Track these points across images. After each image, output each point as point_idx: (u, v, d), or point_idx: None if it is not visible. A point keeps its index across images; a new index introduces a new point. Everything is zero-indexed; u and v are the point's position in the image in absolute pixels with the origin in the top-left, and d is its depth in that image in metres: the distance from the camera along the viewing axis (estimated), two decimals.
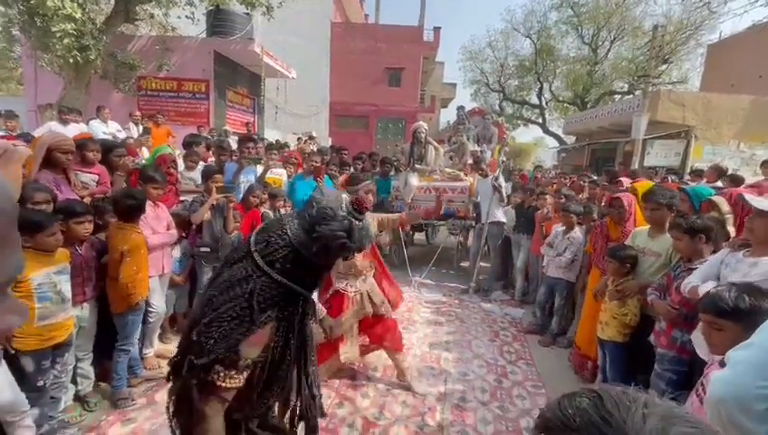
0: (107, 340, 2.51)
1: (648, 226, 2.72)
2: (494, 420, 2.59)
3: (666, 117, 11.63)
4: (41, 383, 1.92)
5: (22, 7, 6.68)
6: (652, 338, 2.34)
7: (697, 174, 6.04)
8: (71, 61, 7.02)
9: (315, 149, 6.46)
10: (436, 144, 5.75)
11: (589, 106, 20.45)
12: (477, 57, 24.51)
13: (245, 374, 1.01)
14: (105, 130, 6.33)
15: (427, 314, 4.30)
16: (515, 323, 4.18)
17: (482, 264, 5.44)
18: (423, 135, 5.43)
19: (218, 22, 9.62)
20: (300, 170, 4.90)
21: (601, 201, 4.54)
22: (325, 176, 4.69)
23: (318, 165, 4.60)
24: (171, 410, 1.09)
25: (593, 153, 17.17)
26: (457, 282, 5.37)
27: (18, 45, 8.81)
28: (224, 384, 0.97)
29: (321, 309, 1.90)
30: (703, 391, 1.73)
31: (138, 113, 7.30)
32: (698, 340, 1.99)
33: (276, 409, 1.23)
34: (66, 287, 1.98)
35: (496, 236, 4.85)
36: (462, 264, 5.98)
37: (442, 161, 5.77)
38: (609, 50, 20.74)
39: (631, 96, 16.00)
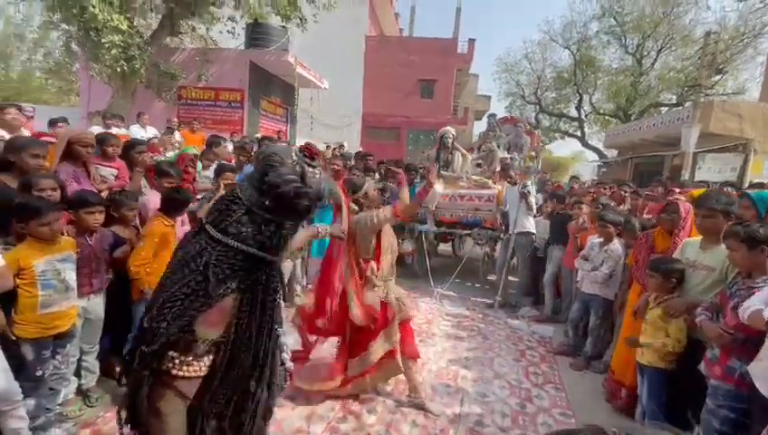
0: (115, 335, 2.49)
1: (701, 236, 2.38)
2: None
3: (720, 129, 10.76)
4: (39, 373, 1.89)
5: (79, 23, 7.22)
6: (703, 367, 2.00)
7: (759, 187, 5.43)
8: (118, 70, 7.48)
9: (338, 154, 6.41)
10: (463, 150, 5.54)
11: (632, 118, 19.40)
12: (513, 69, 24.06)
13: (207, 361, 0.88)
14: (143, 134, 6.62)
15: (447, 327, 4.05)
16: (544, 343, 3.84)
17: (510, 278, 5.13)
18: (450, 140, 5.25)
19: (256, 35, 9.99)
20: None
21: (643, 213, 4.15)
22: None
23: (338, 168, 4.53)
24: (123, 416, 0.92)
25: (636, 167, 16.19)
26: (482, 295, 5.07)
27: (76, 59, 9.51)
28: (180, 373, 0.85)
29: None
30: None
31: (175, 120, 7.61)
32: (757, 370, 1.66)
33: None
34: (71, 276, 1.96)
35: (525, 248, 4.53)
36: (489, 277, 5.67)
37: (469, 168, 5.54)
38: (655, 60, 19.69)
39: (680, 108, 14.99)
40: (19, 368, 1.80)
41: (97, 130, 5.87)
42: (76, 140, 2.53)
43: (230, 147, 4.81)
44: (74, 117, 8.55)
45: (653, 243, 2.79)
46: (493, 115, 6.96)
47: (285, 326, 1.21)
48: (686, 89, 17.69)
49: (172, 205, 2.54)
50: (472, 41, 20.77)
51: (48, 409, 2.04)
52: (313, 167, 0.93)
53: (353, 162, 6.17)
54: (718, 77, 17.12)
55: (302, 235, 1.51)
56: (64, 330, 1.95)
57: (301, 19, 8.73)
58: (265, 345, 0.94)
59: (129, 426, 0.92)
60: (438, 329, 3.98)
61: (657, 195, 4.34)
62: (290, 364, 1.14)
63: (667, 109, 18.45)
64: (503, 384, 3.02)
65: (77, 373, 2.31)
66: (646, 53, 19.75)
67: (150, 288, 2.45)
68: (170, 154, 4.58)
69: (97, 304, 2.27)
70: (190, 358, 0.86)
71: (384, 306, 2.52)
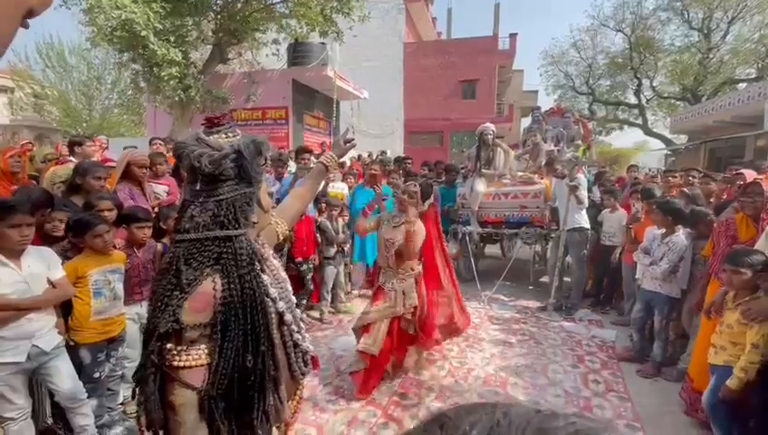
0: None
1: None
2: None
3: None
4: (97, 375, 2.06)
5: (143, 59, 8.04)
6: None
7: None
8: (177, 99, 8.20)
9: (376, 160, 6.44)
10: (505, 147, 5.28)
11: (704, 99, 17.48)
12: (560, 60, 22.85)
13: (205, 348, 0.89)
14: None
15: (496, 332, 3.84)
16: (606, 348, 3.50)
17: (565, 278, 4.78)
18: (490, 137, 5.04)
19: (297, 53, 10.46)
20: (360, 181, 4.89)
21: (721, 199, 3.67)
22: (384, 184, 4.60)
23: (376, 173, 4.54)
24: (142, 420, 0.93)
25: (711, 153, 14.57)
26: (534, 298, 4.77)
27: (143, 94, 10.60)
28: (180, 364, 0.87)
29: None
30: None
31: (202, 123, 8.16)
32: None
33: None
34: (119, 286, 2.13)
35: (579, 245, 4.20)
36: (541, 278, 5.33)
37: (513, 164, 5.28)
38: (726, 32, 17.66)
39: (761, 82, 13.24)
40: (79, 371, 1.97)
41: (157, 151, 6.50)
42: (133, 161, 2.79)
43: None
44: (143, 145, 9.49)
45: (735, 232, 2.44)
46: (537, 108, 6.60)
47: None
48: (767, 60, 15.62)
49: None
50: (513, 35, 20.12)
51: (110, 408, 2.21)
52: (225, 132, 0.90)
53: (392, 166, 6.17)
54: None
55: (310, 181, 1.45)
56: (115, 335, 2.12)
57: (337, 33, 8.99)
58: (254, 319, 0.93)
59: (149, 428, 0.94)
60: (486, 334, 3.79)
61: (723, 177, 3.81)
62: (306, 346, 1.13)
63: (745, 85, 16.40)
64: (558, 392, 2.78)
65: None
66: (714, 26, 17.79)
67: None
68: None
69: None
70: (185, 347, 0.87)
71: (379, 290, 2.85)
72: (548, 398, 2.71)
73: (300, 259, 3.83)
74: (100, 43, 7.85)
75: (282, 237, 1.31)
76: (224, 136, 0.98)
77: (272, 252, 1.17)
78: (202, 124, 1.01)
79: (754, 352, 1.87)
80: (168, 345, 0.87)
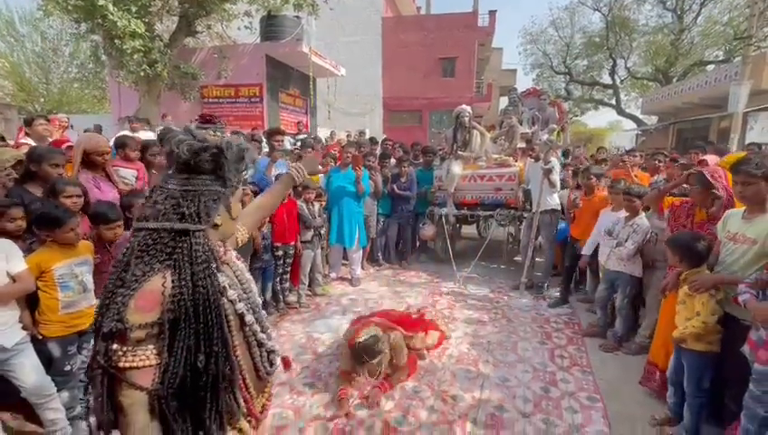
0: None
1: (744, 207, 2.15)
2: None
3: None
4: (68, 368, 2.02)
5: (103, 31, 7.52)
6: (747, 350, 1.83)
7: None
8: (142, 75, 7.75)
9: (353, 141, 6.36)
10: (481, 129, 5.31)
11: (674, 81, 17.96)
12: (539, 39, 22.89)
13: (154, 349, 0.85)
14: None
15: (470, 311, 3.97)
16: (573, 325, 3.69)
17: (537, 258, 4.95)
18: (467, 119, 5.04)
19: (270, 27, 10.01)
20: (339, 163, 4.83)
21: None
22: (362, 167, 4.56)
23: (355, 154, 4.49)
24: (93, 422, 0.94)
25: (679, 133, 15.12)
26: (508, 277, 4.93)
27: (104, 68, 9.96)
28: (127, 364, 0.83)
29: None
30: None
31: (196, 119, 7.82)
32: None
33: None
34: (88, 278, 2.06)
35: (550, 226, 4.33)
36: (515, 258, 5.50)
37: (489, 147, 5.33)
38: (698, 14, 18.03)
39: (728, 64, 13.67)
40: (49, 364, 1.93)
41: (127, 134, 6.19)
42: (92, 150, 2.62)
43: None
44: (108, 123, 9.02)
45: (693, 214, 2.56)
46: (513, 90, 6.64)
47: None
48: (734, 43, 16.08)
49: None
50: (492, 12, 19.87)
51: (83, 399, 2.18)
52: (213, 130, 0.94)
53: (369, 148, 6.11)
54: None
55: (278, 186, 1.44)
56: (86, 328, 2.06)
57: (312, 6, 8.64)
58: (207, 318, 0.90)
59: (99, 429, 0.92)
60: (461, 313, 3.91)
61: (682, 163, 3.99)
62: (272, 345, 1.12)
63: (713, 67, 16.93)
64: (526, 368, 2.93)
65: None
66: (687, 8, 18.12)
67: None
68: None
69: None
70: (131, 347, 0.84)
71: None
72: (517, 374, 2.86)
73: (278, 244, 3.79)
74: (53, 12, 7.26)
75: (241, 243, 1.28)
76: (211, 133, 0.96)
77: (235, 253, 1.15)
78: (196, 120, 0.98)
79: (697, 318, 2.05)
80: (114, 346, 0.83)
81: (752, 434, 1.76)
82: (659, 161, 4.37)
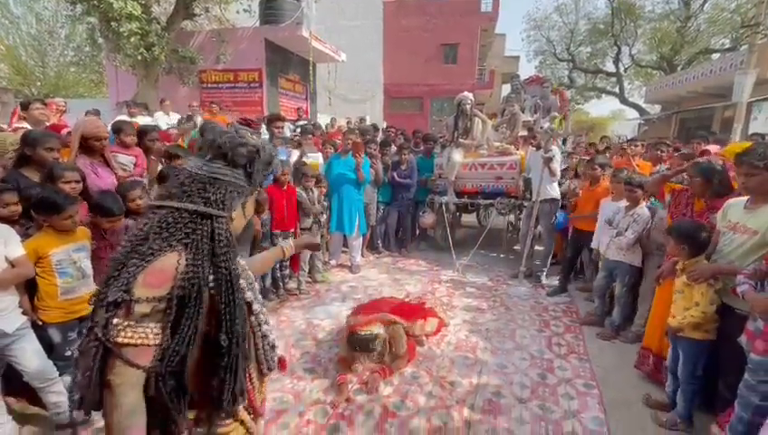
0: None
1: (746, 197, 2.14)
2: (532, 420, 2.28)
3: None
4: (69, 353, 2.03)
5: (99, 13, 7.37)
6: (743, 340, 1.84)
7: None
8: (139, 58, 7.63)
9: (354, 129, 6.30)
10: (483, 116, 5.26)
11: (679, 69, 17.73)
12: (543, 25, 22.48)
13: (154, 328, 0.84)
14: (168, 121, 6.80)
15: (469, 299, 4.00)
16: (571, 313, 3.71)
17: (537, 247, 4.96)
18: (468, 106, 4.99)
19: (270, 10, 9.81)
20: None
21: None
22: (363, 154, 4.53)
23: (357, 142, 4.46)
24: (75, 398, 0.89)
25: (682, 123, 14.98)
26: (507, 266, 4.95)
27: (101, 51, 9.79)
28: (125, 340, 0.81)
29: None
30: None
31: (195, 104, 7.73)
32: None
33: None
34: (86, 264, 2.06)
35: (549, 215, 4.32)
36: (515, 247, 5.51)
37: (491, 135, 5.28)
38: (705, 0, 17.68)
39: (734, 53, 13.47)
40: (50, 349, 1.95)
41: (125, 119, 6.12)
42: (90, 135, 2.58)
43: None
44: (105, 108, 8.91)
45: (692, 202, 2.56)
46: (516, 77, 6.55)
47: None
48: (741, 31, 15.81)
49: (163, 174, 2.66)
50: None
51: None
52: (251, 133, 0.98)
53: (372, 135, 6.06)
54: None
55: (268, 255, 1.50)
56: (87, 313, 2.06)
57: None
58: (229, 299, 0.92)
59: (81, 409, 0.89)
60: (460, 301, 3.94)
61: (683, 153, 3.96)
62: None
63: (719, 56, 16.69)
64: (523, 356, 2.96)
65: None
66: None
67: None
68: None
69: None
70: (133, 322, 0.82)
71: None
72: (514, 361, 2.89)
73: (278, 232, 3.78)
74: None
75: None
76: (249, 134, 0.99)
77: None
78: (239, 122, 1.00)
79: (696, 308, 2.07)
80: (115, 320, 0.82)
81: (745, 422, 1.79)
82: (662, 151, 4.34)
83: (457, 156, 4.93)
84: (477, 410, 2.35)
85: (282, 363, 1.16)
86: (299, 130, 6.53)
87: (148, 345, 0.84)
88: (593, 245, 3.52)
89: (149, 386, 0.86)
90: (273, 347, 1.12)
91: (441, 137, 6.04)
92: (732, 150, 2.46)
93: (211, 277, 0.91)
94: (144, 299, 0.83)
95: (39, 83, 15.04)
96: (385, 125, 13.68)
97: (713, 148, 3.58)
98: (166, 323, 0.86)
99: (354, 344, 2.57)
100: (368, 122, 10.15)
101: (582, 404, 2.42)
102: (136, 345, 0.83)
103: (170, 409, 0.88)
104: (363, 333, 2.57)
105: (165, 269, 0.85)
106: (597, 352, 3.03)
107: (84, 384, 0.85)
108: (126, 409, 0.83)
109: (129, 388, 0.83)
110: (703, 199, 2.45)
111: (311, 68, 10.06)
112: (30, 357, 1.86)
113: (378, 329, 2.63)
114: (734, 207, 2.15)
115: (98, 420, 2.11)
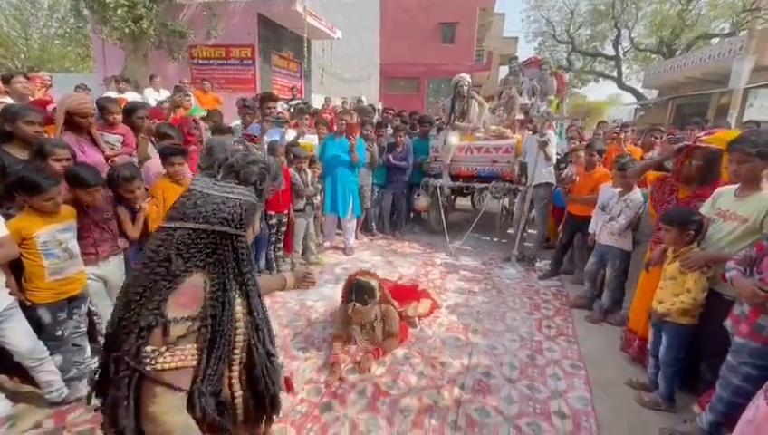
0: None
1: (737, 184, 2.15)
2: (520, 399, 2.33)
3: None
4: (59, 333, 2.02)
5: None
6: (729, 324, 1.89)
7: None
8: (126, 31, 7.37)
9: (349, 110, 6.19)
10: (480, 99, 5.20)
11: (678, 54, 17.56)
12: (543, 4, 22.02)
13: (192, 349, 0.84)
14: (158, 97, 6.62)
15: (461, 282, 4.03)
16: (561, 296, 3.77)
17: (530, 231, 5.00)
18: (465, 88, 4.91)
19: None
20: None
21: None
22: (357, 135, 4.47)
23: (351, 123, 4.39)
24: (108, 429, 0.88)
25: (678, 109, 14.95)
26: (500, 249, 4.99)
27: (86, 23, 9.42)
28: (165, 366, 0.81)
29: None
30: None
31: (186, 81, 7.52)
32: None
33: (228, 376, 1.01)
34: (73, 244, 2.02)
35: (543, 200, 4.34)
36: (508, 231, 5.55)
37: (487, 117, 5.23)
38: None
39: (733, 38, 13.34)
40: (39, 330, 1.93)
41: (113, 95, 5.94)
42: (75, 111, 2.48)
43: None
44: (93, 83, 8.64)
45: (676, 189, 2.57)
46: (515, 59, 6.45)
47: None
48: (742, 15, 15.62)
49: (166, 151, 2.60)
50: None
51: (78, 362, 2.21)
52: (256, 147, 1.01)
53: (371, 116, 5.96)
54: None
55: (269, 281, 1.52)
56: (76, 293, 2.05)
57: None
58: (258, 317, 0.98)
59: None
60: (452, 284, 3.97)
61: (669, 137, 3.97)
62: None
63: (718, 41, 16.53)
64: (513, 337, 3.01)
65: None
66: None
67: None
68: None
69: (111, 271, 2.32)
70: (171, 345, 0.82)
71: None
72: (504, 342, 2.94)
73: (272, 213, 3.76)
74: None
75: None
76: (254, 147, 1.00)
77: None
78: (241, 138, 0.98)
79: (687, 295, 2.10)
80: (150, 347, 0.81)
81: (725, 401, 1.85)
82: (655, 138, 4.33)
83: (453, 139, 4.89)
84: (467, 389, 2.40)
85: (288, 384, 1.19)
86: (292, 109, 6.41)
87: (189, 367, 0.84)
88: (590, 229, 3.53)
89: (194, 407, 0.86)
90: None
91: (437, 119, 5.98)
92: (719, 138, 2.46)
93: (237, 294, 0.93)
94: (180, 319, 0.83)
95: (23, 56, 14.51)
96: (381, 106, 13.49)
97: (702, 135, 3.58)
98: (202, 343, 0.86)
99: (352, 291, 2.61)
100: (364, 103, 9.98)
101: (569, 384, 2.48)
102: (177, 368, 0.82)
103: (217, 428, 0.90)
104: (363, 280, 2.64)
105: (195, 289, 0.86)
106: (585, 335, 3.09)
107: (122, 415, 0.84)
108: (181, 432, 0.82)
109: (175, 413, 0.82)
110: (689, 187, 2.47)
111: (305, 45, 9.80)
112: (19, 337, 1.84)
113: (375, 284, 2.69)
114: (725, 195, 2.17)
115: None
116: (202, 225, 0.89)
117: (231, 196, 0.93)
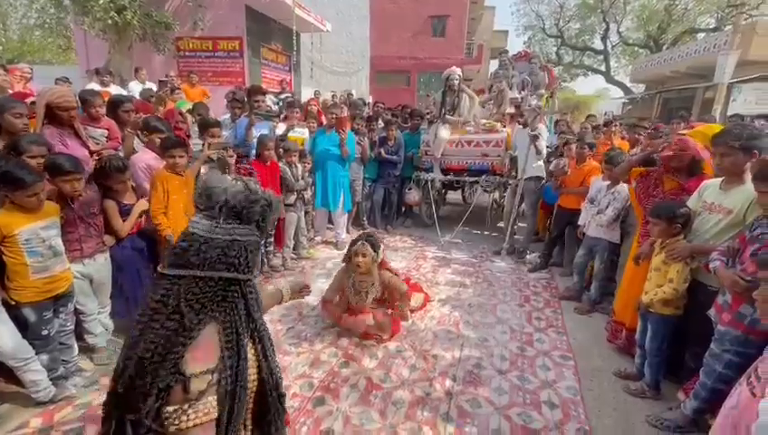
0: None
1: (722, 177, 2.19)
2: (511, 390, 2.37)
3: (763, 55, 9.77)
4: (45, 332, 1.98)
5: None
6: (712, 313, 1.94)
7: None
8: (109, 22, 7.17)
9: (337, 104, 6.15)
10: (471, 93, 5.20)
11: (665, 48, 17.78)
12: None
13: (213, 401, 0.82)
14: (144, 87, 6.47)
15: (452, 275, 4.06)
16: (551, 289, 3.82)
17: (520, 224, 5.04)
18: (456, 82, 4.91)
19: None
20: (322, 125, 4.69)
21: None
22: (348, 129, 4.44)
23: (340, 117, 4.35)
24: None
25: (665, 103, 15.16)
26: (490, 243, 5.03)
27: (68, 13, 9.14)
28: (190, 423, 0.79)
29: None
30: (756, 380, 1.37)
31: (172, 74, 7.37)
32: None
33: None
34: (57, 242, 1.97)
35: (533, 193, 4.37)
36: (499, 224, 5.59)
37: (478, 111, 5.24)
38: None
39: (718, 33, 13.55)
40: (25, 329, 1.89)
41: (96, 88, 5.79)
42: (55, 105, 2.40)
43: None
44: (75, 76, 8.40)
45: (660, 182, 2.61)
46: (504, 52, 6.44)
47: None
48: (726, 10, 15.85)
49: (167, 143, 2.59)
50: None
51: (65, 360, 2.17)
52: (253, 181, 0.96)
53: (362, 111, 5.92)
54: None
55: (266, 299, 1.49)
56: (62, 291, 2.01)
57: None
58: (270, 363, 0.97)
59: None
60: (444, 277, 4.00)
61: (648, 132, 4.03)
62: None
63: (703, 36, 16.76)
64: (504, 329, 3.05)
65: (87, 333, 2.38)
66: None
67: (172, 233, 2.48)
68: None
69: (96, 269, 2.28)
70: (193, 401, 0.80)
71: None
72: (495, 334, 2.98)
73: None
74: None
75: None
76: (252, 182, 0.96)
77: None
78: (237, 173, 0.94)
79: (669, 285, 2.15)
80: (171, 408, 0.78)
81: (708, 388, 1.91)
82: (639, 134, 4.39)
83: (444, 133, 4.89)
84: (459, 381, 2.43)
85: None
86: (280, 103, 6.34)
87: (213, 420, 0.83)
88: (580, 222, 3.56)
89: None
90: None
91: (428, 113, 5.97)
92: (699, 132, 2.50)
93: (248, 340, 0.92)
94: (199, 374, 0.81)
95: (1, 47, 14.04)
96: (371, 100, 13.40)
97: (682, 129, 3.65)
98: (222, 394, 0.85)
99: (360, 239, 2.74)
100: (354, 97, 9.91)
101: (558, 374, 2.53)
102: (203, 423, 0.81)
103: None
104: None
105: (211, 340, 0.85)
106: (573, 326, 3.14)
107: None
108: None
109: None
110: (676, 178, 2.51)
111: (294, 37, 9.67)
112: (3, 337, 1.80)
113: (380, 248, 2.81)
114: (710, 188, 2.21)
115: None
116: (208, 272, 0.86)
117: (235, 238, 0.90)
